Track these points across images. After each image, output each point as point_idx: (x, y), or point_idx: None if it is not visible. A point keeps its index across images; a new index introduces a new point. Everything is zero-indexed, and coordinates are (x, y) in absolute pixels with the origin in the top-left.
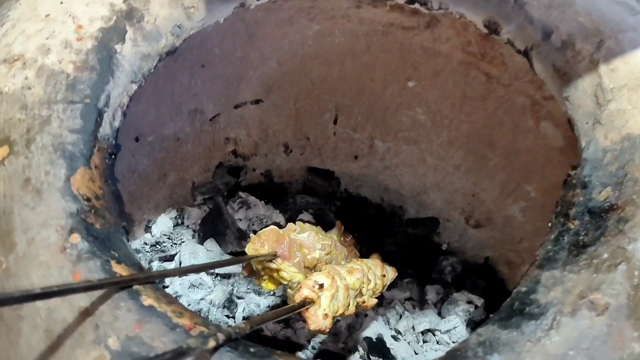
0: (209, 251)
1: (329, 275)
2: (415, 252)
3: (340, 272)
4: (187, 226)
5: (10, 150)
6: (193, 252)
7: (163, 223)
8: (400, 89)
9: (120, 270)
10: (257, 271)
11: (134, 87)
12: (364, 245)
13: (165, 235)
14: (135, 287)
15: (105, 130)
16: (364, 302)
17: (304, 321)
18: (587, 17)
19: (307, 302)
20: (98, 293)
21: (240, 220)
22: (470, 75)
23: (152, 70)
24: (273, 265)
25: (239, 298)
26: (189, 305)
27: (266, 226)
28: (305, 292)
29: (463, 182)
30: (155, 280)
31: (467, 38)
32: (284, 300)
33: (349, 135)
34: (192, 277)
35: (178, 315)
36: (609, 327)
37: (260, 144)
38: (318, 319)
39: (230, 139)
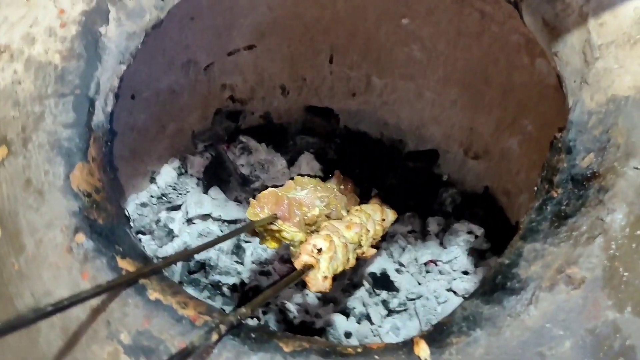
0: (214, 199)
1: (327, 238)
2: (416, 185)
3: (338, 229)
4: (191, 175)
5: (8, 150)
6: (198, 201)
7: (167, 173)
8: (395, 27)
9: (126, 265)
10: (259, 232)
11: (123, 67)
12: (366, 181)
13: (170, 186)
14: (142, 281)
15: (98, 117)
16: (363, 253)
17: (305, 285)
18: None
19: (306, 268)
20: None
21: (243, 166)
22: (464, 13)
23: (139, 47)
24: (274, 227)
25: (246, 242)
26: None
27: (268, 173)
28: (305, 258)
29: (460, 117)
30: (160, 271)
31: None
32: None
33: (345, 74)
34: (199, 227)
35: (183, 307)
36: (585, 299)
37: (256, 88)
38: (318, 282)
39: (226, 86)
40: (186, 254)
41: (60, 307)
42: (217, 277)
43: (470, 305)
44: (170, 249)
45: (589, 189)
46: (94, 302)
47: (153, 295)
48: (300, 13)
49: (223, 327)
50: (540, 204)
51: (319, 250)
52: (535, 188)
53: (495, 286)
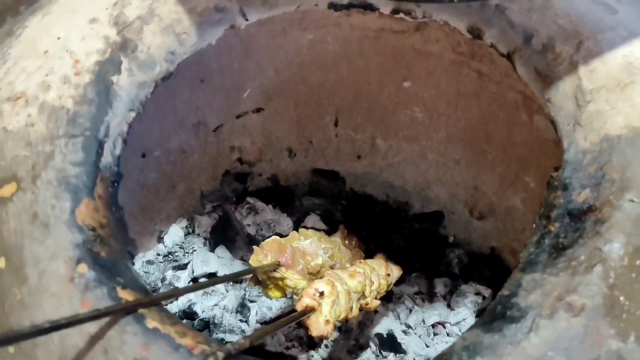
0: (220, 258)
1: (329, 282)
2: (423, 246)
3: (341, 277)
4: (198, 234)
5: (17, 186)
6: (205, 260)
7: (174, 233)
8: (397, 90)
9: (126, 295)
10: (262, 281)
11: (133, 114)
12: (372, 242)
13: (177, 244)
14: (140, 310)
15: (106, 159)
16: (367, 304)
17: (306, 329)
18: (566, 18)
19: (308, 310)
20: (105, 319)
21: (249, 225)
22: (462, 74)
23: (149, 97)
24: (277, 274)
25: (251, 302)
26: (203, 312)
27: (274, 232)
28: (306, 301)
29: (464, 176)
30: (159, 302)
31: (456, 39)
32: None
33: (350, 136)
34: None
35: (181, 335)
36: (586, 327)
37: (264, 150)
38: (319, 325)
39: (235, 148)
40: (187, 290)
41: (57, 325)
42: (221, 336)
43: (470, 335)
44: (175, 307)
45: (585, 221)
46: (92, 329)
47: (151, 324)
48: (306, 77)
49: (220, 354)
50: (538, 238)
51: (321, 294)
52: (534, 225)
53: (495, 315)
